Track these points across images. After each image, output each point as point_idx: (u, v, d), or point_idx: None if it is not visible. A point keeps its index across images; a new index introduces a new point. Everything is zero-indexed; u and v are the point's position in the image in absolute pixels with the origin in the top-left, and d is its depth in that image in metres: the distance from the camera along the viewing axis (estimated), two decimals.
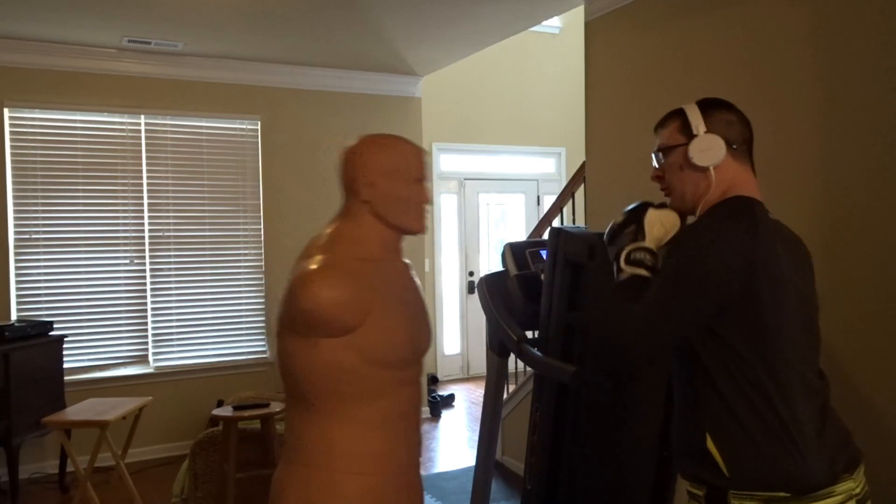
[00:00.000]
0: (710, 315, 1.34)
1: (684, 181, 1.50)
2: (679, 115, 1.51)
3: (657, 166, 1.56)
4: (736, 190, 1.47)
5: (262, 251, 5.24)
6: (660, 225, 1.51)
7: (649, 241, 1.49)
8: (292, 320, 1.43)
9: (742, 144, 1.50)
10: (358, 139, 1.56)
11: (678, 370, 1.48)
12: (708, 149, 1.45)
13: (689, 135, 1.47)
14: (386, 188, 1.50)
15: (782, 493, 1.31)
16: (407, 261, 1.67)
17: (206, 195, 5.09)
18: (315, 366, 1.42)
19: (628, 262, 1.47)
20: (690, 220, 1.57)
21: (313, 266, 1.42)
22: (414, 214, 1.55)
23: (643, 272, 1.45)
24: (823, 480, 1.32)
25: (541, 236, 4.70)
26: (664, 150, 1.53)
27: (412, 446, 1.58)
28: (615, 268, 1.51)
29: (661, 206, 1.56)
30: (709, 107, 1.50)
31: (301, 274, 1.41)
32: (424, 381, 5.23)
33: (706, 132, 1.46)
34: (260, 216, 5.22)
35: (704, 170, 1.46)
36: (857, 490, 1.38)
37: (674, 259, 1.40)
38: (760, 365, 1.33)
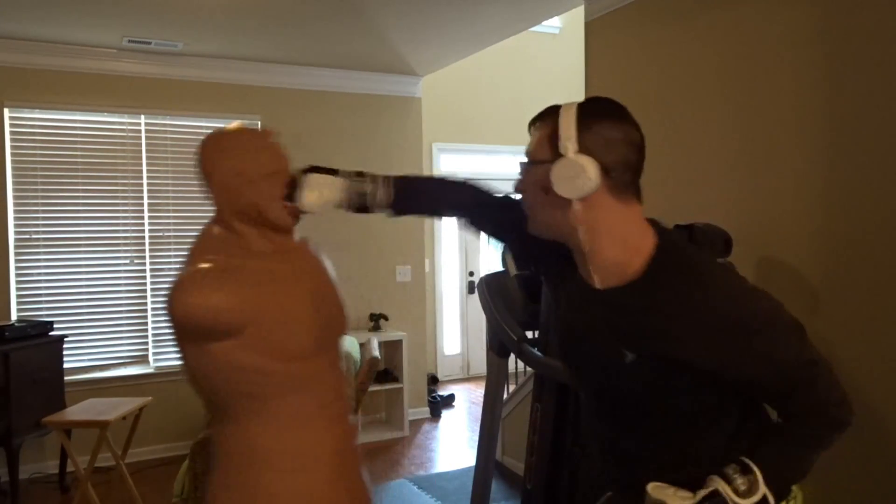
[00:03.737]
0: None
1: (546, 210, 1.21)
2: (554, 118, 1.19)
3: (519, 177, 1.26)
4: (634, 237, 1.20)
5: None
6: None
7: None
8: (176, 330, 1.37)
9: (624, 172, 1.16)
10: (204, 140, 1.49)
11: (673, 426, 1.28)
12: (573, 177, 1.13)
13: (556, 151, 1.16)
14: (237, 192, 1.44)
15: None
16: (307, 244, 1.59)
17: (206, 195, 5.08)
18: (214, 371, 1.37)
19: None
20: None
21: (184, 274, 1.37)
22: (274, 211, 1.46)
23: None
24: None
25: None
26: (526, 163, 1.23)
27: (339, 436, 1.51)
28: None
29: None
30: (591, 114, 1.16)
31: (174, 283, 1.35)
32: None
33: (577, 152, 1.14)
34: None
35: (568, 201, 1.16)
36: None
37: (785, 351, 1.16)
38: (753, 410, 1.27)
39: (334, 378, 1.53)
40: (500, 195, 1.54)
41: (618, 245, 1.19)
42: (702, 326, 1.13)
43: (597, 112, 1.17)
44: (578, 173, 1.13)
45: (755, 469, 1.14)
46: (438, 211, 1.62)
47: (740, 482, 1.13)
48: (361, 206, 1.50)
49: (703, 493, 1.13)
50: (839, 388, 1.20)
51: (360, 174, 1.52)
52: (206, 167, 1.47)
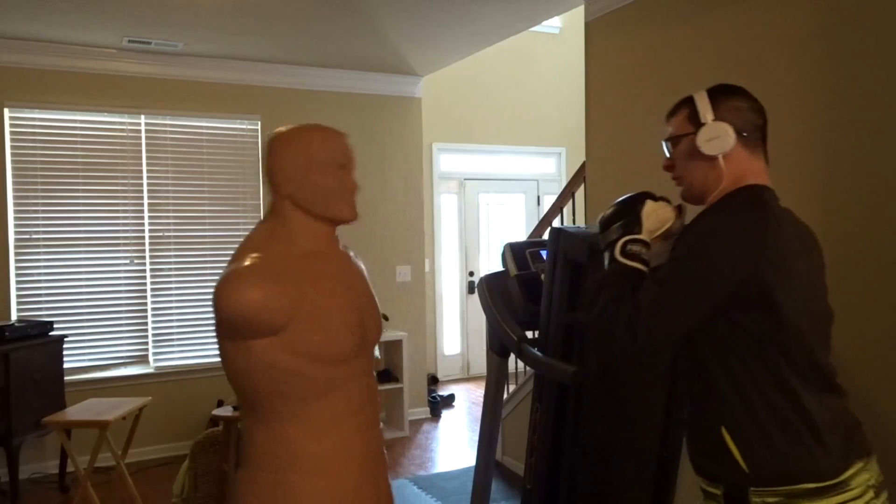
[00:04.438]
0: (722, 303, 1.32)
1: (693, 171, 1.48)
2: (688, 103, 1.49)
3: (668, 156, 1.54)
4: (747, 179, 1.44)
5: None
6: (655, 217, 1.49)
7: (644, 233, 1.47)
8: (221, 324, 1.39)
9: (754, 132, 1.46)
10: (273, 133, 1.51)
11: (687, 365, 1.47)
12: (716, 137, 1.42)
13: (698, 123, 1.45)
14: (306, 180, 1.46)
15: (803, 486, 1.29)
16: (348, 251, 1.62)
17: (206, 195, 5.10)
18: (253, 369, 1.38)
19: (624, 253, 1.44)
20: (691, 216, 1.56)
21: (233, 269, 1.38)
22: (341, 203, 1.50)
23: (639, 266, 1.43)
24: (839, 467, 1.31)
25: (541, 236, 4.70)
26: (673, 140, 1.51)
27: (369, 441, 1.53)
28: (606, 258, 1.48)
29: (659, 198, 1.54)
30: (719, 94, 1.47)
31: (222, 277, 1.37)
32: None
33: (714, 120, 1.43)
34: (260, 216, 5.21)
35: (713, 159, 1.43)
36: (873, 481, 1.36)
37: (685, 245, 1.38)
38: (772, 352, 1.33)
39: (367, 384, 1.55)
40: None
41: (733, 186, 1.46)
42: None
43: (723, 91, 1.48)
44: (718, 133, 1.42)
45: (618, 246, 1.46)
46: None
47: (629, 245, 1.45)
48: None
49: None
50: (649, 294, 1.35)
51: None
52: (278, 153, 1.48)
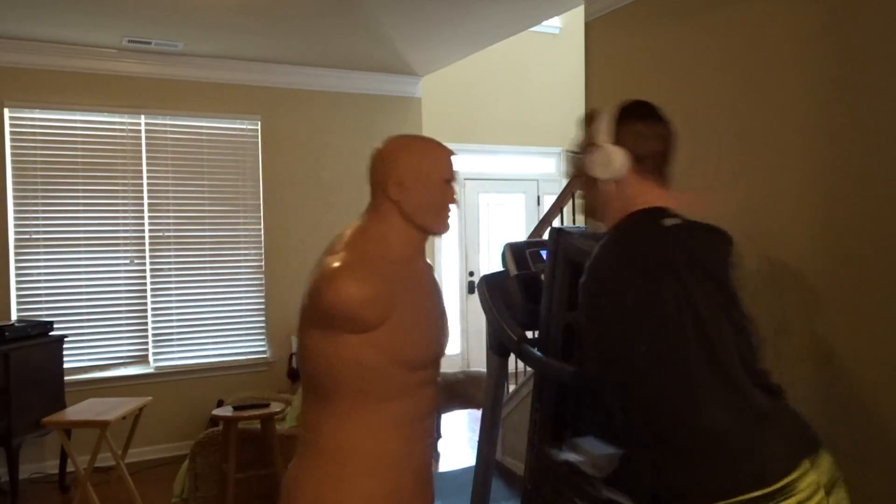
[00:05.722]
0: (638, 338, 1.33)
1: (588, 189, 1.49)
2: (594, 119, 1.48)
3: (569, 167, 1.56)
4: (636, 205, 1.43)
5: (262, 251, 5.24)
6: None
7: None
8: (316, 315, 1.42)
9: (653, 159, 1.44)
10: (389, 139, 1.57)
11: (617, 402, 1.41)
12: (607, 163, 1.42)
13: (593, 144, 1.45)
14: (415, 189, 1.51)
15: (746, 496, 1.22)
16: (430, 262, 1.68)
17: (206, 195, 5.10)
18: (337, 362, 1.41)
19: None
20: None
21: (339, 262, 1.41)
22: (441, 216, 1.56)
23: None
24: (782, 471, 1.24)
25: (541, 236, 4.70)
26: (573, 154, 1.51)
27: (427, 449, 1.57)
28: None
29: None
30: (626, 115, 1.45)
31: (327, 269, 1.40)
32: None
33: (612, 143, 1.42)
34: (260, 216, 5.22)
35: (605, 182, 1.43)
36: (824, 479, 1.29)
37: (583, 291, 1.39)
38: (703, 374, 1.29)
39: (434, 392, 1.59)
40: None
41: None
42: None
43: (631, 113, 1.44)
44: (611, 159, 1.41)
45: None
46: None
47: None
48: None
49: None
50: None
51: None
52: (394, 160, 1.53)
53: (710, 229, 1.45)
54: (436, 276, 1.70)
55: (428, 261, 1.66)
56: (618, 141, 1.41)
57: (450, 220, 1.60)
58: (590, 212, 1.52)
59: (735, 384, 1.31)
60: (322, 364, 1.44)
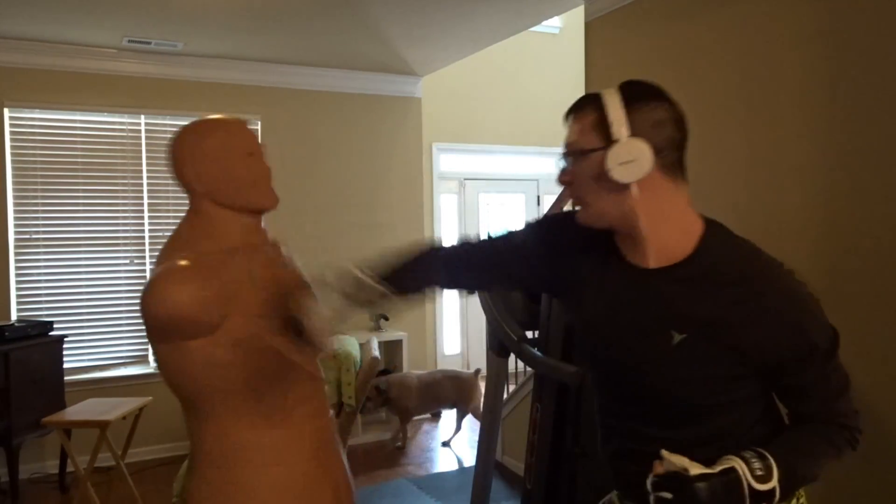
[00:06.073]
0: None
1: (601, 197, 1.19)
2: (596, 105, 1.18)
3: (563, 167, 1.24)
4: (686, 218, 1.22)
5: None
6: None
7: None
8: (153, 330, 1.35)
9: (672, 151, 1.18)
10: (174, 135, 1.49)
11: (705, 419, 1.27)
12: (631, 161, 1.13)
13: (608, 138, 1.15)
14: (215, 173, 1.43)
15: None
16: (278, 241, 1.60)
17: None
18: (192, 368, 1.36)
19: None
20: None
21: (157, 273, 1.34)
22: (257, 191, 1.47)
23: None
24: None
25: None
26: (574, 154, 1.20)
27: (319, 429, 1.50)
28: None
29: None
30: (635, 98, 1.16)
31: (149, 281, 1.33)
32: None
33: (630, 136, 1.13)
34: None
35: (625, 187, 1.15)
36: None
37: (823, 345, 1.20)
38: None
39: (310, 373, 1.52)
40: (466, 245, 1.49)
41: (671, 225, 1.21)
42: (753, 302, 1.15)
43: (640, 94, 1.18)
44: (635, 156, 1.13)
45: (770, 459, 1.13)
46: (434, 288, 1.51)
47: (757, 466, 1.11)
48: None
49: (721, 466, 1.12)
50: (851, 398, 1.23)
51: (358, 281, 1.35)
52: (186, 151, 1.45)
53: None
54: (287, 254, 1.61)
55: (274, 240, 1.58)
56: (635, 132, 1.14)
57: (273, 192, 1.50)
58: (602, 225, 1.23)
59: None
60: (178, 374, 1.38)
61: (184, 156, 1.45)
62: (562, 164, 1.24)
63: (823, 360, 1.19)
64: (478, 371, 5.27)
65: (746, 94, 2.90)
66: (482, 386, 4.77)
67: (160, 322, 1.32)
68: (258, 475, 1.40)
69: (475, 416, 5.03)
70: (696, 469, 1.10)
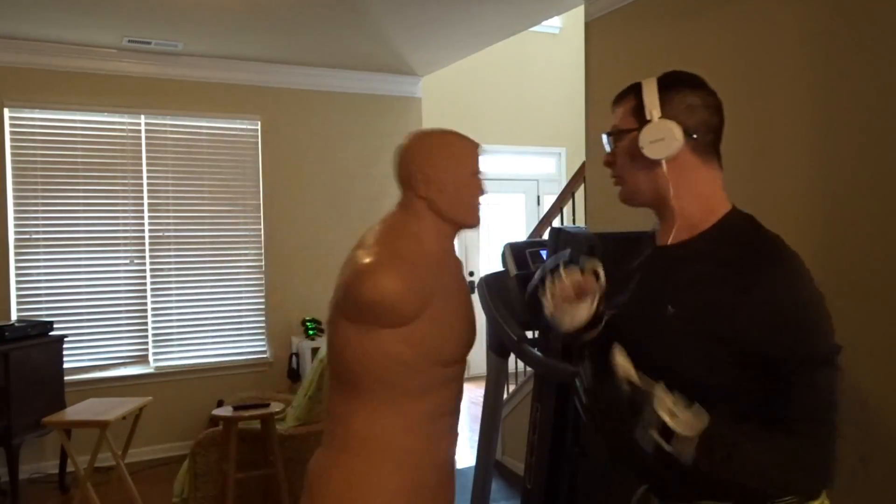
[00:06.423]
0: None
1: (636, 175, 1.31)
2: (636, 93, 1.31)
3: (608, 150, 1.37)
4: (714, 198, 1.29)
5: (262, 251, 5.24)
6: (578, 319, 1.27)
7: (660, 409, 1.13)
8: (351, 308, 1.42)
9: (706, 134, 1.27)
10: (412, 135, 1.57)
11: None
12: (660, 139, 1.24)
13: (642, 119, 1.27)
14: (442, 183, 1.51)
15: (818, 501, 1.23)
16: (459, 258, 1.68)
17: (206, 195, 5.10)
18: (369, 355, 1.42)
19: (663, 434, 1.13)
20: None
21: (374, 257, 1.41)
22: (470, 209, 1.56)
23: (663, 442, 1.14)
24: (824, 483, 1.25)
25: (541, 236, 4.70)
26: (615, 134, 1.34)
27: (452, 443, 1.59)
28: (644, 432, 1.15)
29: (584, 267, 1.32)
30: (670, 86, 1.28)
31: (364, 263, 1.40)
32: None
33: (661, 118, 1.25)
34: (260, 216, 5.22)
35: (656, 164, 1.26)
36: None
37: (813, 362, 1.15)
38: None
39: (460, 388, 1.60)
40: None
41: (697, 202, 1.29)
42: (751, 293, 1.16)
43: (676, 82, 1.29)
44: (664, 135, 1.24)
45: (703, 418, 1.11)
46: None
47: (676, 407, 1.12)
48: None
49: (646, 383, 1.15)
50: (828, 440, 1.15)
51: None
52: (424, 154, 1.52)
53: None
54: (463, 271, 1.70)
55: (457, 256, 1.66)
56: (668, 114, 1.25)
57: (480, 213, 1.59)
58: (637, 202, 1.34)
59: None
60: (353, 357, 1.44)
61: (420, 158, 1.52)
62: (607, 148, 1.37)
63: (811, 369, 1.15)
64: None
65: (746, 93, 2.90)
66: None
67: (366, 304, 1.38)
68: (391, 475, 1.46)
69: None
70: (633, 377, 1.16)
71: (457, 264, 1.64)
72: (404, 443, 1.47)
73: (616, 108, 1.36)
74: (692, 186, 1.28)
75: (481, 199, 1.59)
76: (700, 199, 1.29)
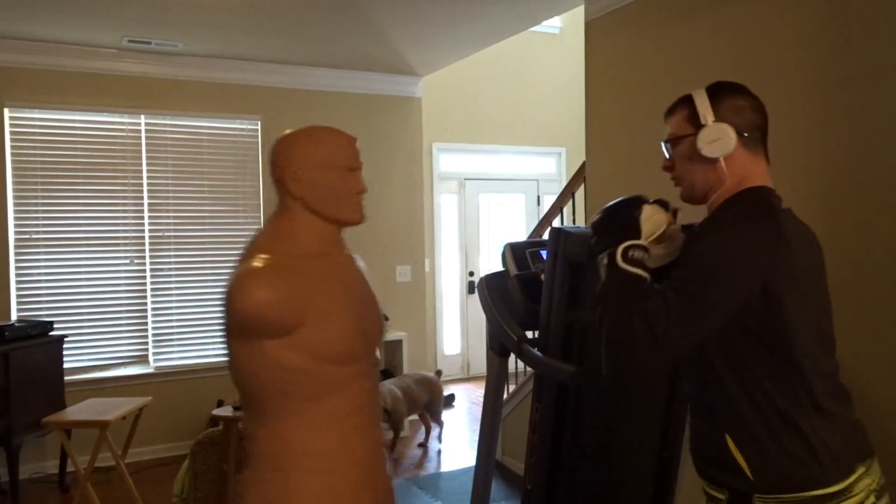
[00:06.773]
0: (735, 315, 1.31)
1: (694, 173, 1.47)
2: (687, 102, 1.47)
3: (667, 156, 1.53)
4: (749, 181, 1.43)
5: None
6: (652, 221, 1.46)
7: (643, 238, 1.44)
8: (233, 324, 1.40)
9: (754, 132, 1.44)
10: (283, 134, 1.53)
11: (691, 373, 1.46)
12: (717, 139, 1.40)
13: (698, 124, 1.43)
14: (315, 181, 1.47)
15: (808, 493, 1.30)
16: (352, 253, 1.64)
17: (206, 195, 5.10)
18: (263, 367, 1.40)
19: (626, 259, 1.39)
20: (693, 216, 1.55)
21: (247, 268, 1.39)
22: (349, 205, 1.52)
23: (641, 272, 1.38)
24: (843, 473, 1.31)
25: (541, 236, 4.70)
26: (672, 141, 1.49)
27: (369, 441, 1.55)
28: (605, 264, 1.43)
29: (654, 201, 1.53)
30: (719, 93, 1.45)
31: (235, 276, 1.39)
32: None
33: (714, 121, 1.41)
34: (260, 216, 5.22)
35: (714, 161, 1.42)
36: (875, 485, 1.36)
37: (700, 253, 1.35)
38: (780, 359, 1.32)
39: (369, 384, 1.57)
40: None
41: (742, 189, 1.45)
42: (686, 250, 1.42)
43: (722, 89, 1.46)
44: (719, 135, 1.41)
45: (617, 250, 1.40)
46: None
47: (631, 250, 1.40)
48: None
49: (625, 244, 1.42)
50: (680, 323, 1.30)
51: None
52: (292, 153, 1.49)
53: (806, 227, 1.50)
54: (361, 264, 1.65)
55: (348, 251, 1.62)
56: (720, 118, 1.41)
57: (363, 209, 1.55)
58: (695, 196, 1.50)
59: (826, 379, 1.37)
60: (249, 373, 1.43)
61: (289, 157, 1.48)
62: (666, 154, 1.53)
63: (689, 246, 1.40)
64: (439, 372, 5.53)
65: None
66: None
67: (242, 318, 1.36)
68: (310, 480, 1.44)
69: (438, 418, 5.13)
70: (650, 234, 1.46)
71: (345, 262, 1.58)
72: (314, 447, 1.44)
73: (669, 119, 1.51)
74: (745, 177, 1.44)
75: (361, 194, 1.54)
76: (748, 185, 1.44)
